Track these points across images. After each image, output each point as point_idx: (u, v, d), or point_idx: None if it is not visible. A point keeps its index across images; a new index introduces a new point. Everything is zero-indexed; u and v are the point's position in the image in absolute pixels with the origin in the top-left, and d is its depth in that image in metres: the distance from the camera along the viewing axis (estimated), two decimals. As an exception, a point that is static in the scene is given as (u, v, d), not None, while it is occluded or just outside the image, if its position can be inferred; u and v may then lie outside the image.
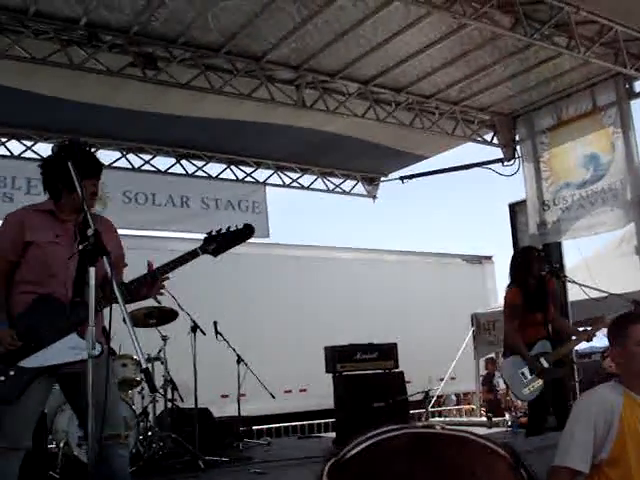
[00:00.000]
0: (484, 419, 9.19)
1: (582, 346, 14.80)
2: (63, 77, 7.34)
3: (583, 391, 8.70)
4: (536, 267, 6.11)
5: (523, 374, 5.87)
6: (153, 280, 3.53)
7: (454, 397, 14.31)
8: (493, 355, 12.10)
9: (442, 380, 11.49)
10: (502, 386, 11.06)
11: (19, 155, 9.18)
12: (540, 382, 5.86)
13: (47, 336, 3.33)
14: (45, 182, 3.62)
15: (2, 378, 3.28)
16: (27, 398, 3.31)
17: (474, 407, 12.18)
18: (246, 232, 3.72)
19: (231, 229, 3.68)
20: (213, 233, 3.65)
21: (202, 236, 3.72)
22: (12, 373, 3.29)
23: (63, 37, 6.83)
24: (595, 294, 6.80)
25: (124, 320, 2.71)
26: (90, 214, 2.90)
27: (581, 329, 6.54)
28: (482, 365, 11.98)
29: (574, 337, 6.43)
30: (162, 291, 3.64)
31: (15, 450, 3.32)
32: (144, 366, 2.46)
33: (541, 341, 6.02)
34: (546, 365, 5.91)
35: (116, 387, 3.46)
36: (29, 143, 9.18)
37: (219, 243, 3.64)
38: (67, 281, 3.44)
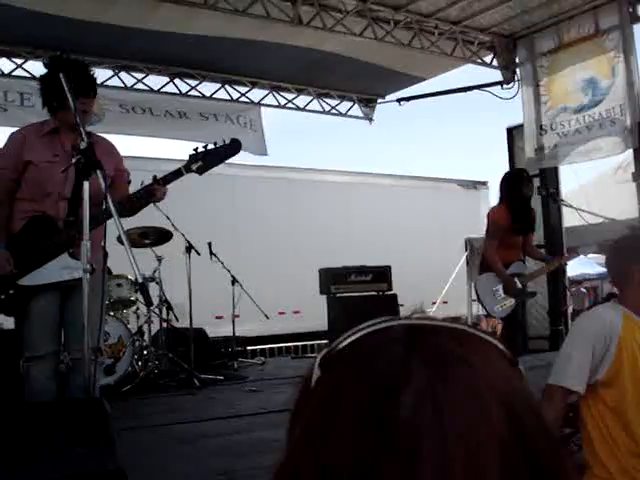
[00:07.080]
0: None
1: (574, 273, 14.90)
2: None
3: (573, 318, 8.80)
4: (525, 189, 6.10)
5: (497, 291, 5.94)
6: (158, 186, 3.52)
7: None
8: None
9: (435, 304, 11.61)
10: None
11: (10, 73, 8.98)
12: (512, 301, 5.94)
13: (40, 257, 3.43)
14: (43, 98, 3.61)
15: (2, 297, 3.46)
16: (34, 309, 3.47)
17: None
18: (234, 147, 3.46)
19: (217, 145, 3.41)
20: (199, 150, 3.41)
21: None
22: (12, 292, 3.45)
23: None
24: (591, 220, 6.81)
25: (119, 238, 2.73)
26: (86, 132, 2.90)
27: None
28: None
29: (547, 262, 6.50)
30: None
31: (40, 358, 3.48)
32: (140, 281, 2.47)
33: (517, 262, 6.09)
34: (519, 286, 6.00)
35: (102, 304, 3.44)
36: (19, 61, 8.97)
37: (205, 161, 3.40)
38: (60, 200, 3.50)
